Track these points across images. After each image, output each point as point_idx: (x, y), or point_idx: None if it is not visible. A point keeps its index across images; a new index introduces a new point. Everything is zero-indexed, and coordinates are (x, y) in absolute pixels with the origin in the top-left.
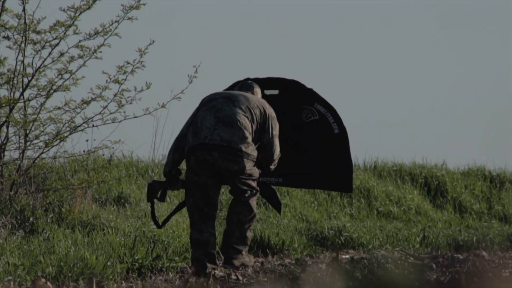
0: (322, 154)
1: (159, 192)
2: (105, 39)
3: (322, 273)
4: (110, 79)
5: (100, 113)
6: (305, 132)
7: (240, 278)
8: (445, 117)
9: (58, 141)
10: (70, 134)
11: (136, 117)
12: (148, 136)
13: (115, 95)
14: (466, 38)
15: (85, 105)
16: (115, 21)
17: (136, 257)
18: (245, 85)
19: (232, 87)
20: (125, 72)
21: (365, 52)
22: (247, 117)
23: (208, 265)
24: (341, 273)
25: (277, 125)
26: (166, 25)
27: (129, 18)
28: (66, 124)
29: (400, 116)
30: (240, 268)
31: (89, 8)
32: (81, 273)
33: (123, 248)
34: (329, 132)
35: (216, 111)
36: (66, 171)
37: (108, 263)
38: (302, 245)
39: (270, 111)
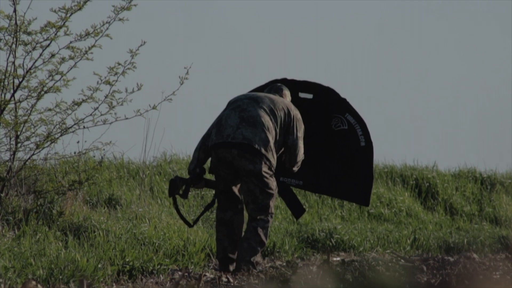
0: (345, 164)
1: (182, 188)
2: (96, 40)
3: (313, 276)
4: (101, 80)
5: (91, 115)
6: (332, 140)
7: (231, 280)
8: (436, 119)
9: (49, 142)
10: (61, 135)
11: (127, 118)
12: (139, 137)
13: (106, 97)
14: (456, 42)
15: (76, 106)
16: (106, 22)
17: (127, 260)
18: (274, 87)
19: (266, 86)
20: (116, 74)
21: (355, 54)
22: (271, 119)
23: (230, 256)
24: (332, 276)
25: (302, 127)
26: (158, 26)
27: (120, 19)
28: (57, 126)
29: (391, 118)
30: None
31: (80, 9)
32: (72, 276)
33: (114, 250)
34: (355, 144)
35: (241, 111)
36: (57, 173)
37: (99, 266)
38: (293, 247)
39: (295, 112)
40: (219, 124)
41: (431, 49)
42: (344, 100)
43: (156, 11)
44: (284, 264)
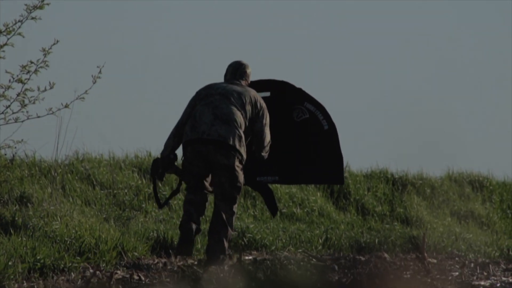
0: (314, 150)
1: (160, 171)
2: (8, 39)
3: (225, 274)
4: (13, 78)
5: (2, 113)
6: (298, 131)
7: (143, 278)
8: (348, 119)
9: None
10: None
11: (39, 117)
12: (51, 136)
13: (18, 95)
14: (369, 39)
15: None
16: (19, 21)
17: (38, 257)
18: (239, 72)
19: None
20: (28, 72)
21: (275, 55)
22: (242, 114)
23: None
24: (244, 274)
25: (268, 115)
26: (71, 25)
27: (32, 18)
28: None
29: None
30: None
31: None
32: None
33: (24, 248)
34: (319, 129)
35: (214, 107)
36: None
37: (10, 263)
38: (205, 246)
39: (261, 101)
40: (193, 119)
41: (346, 48)
42: (299, 89)
43: (69, 10)
44: (196, 262)
